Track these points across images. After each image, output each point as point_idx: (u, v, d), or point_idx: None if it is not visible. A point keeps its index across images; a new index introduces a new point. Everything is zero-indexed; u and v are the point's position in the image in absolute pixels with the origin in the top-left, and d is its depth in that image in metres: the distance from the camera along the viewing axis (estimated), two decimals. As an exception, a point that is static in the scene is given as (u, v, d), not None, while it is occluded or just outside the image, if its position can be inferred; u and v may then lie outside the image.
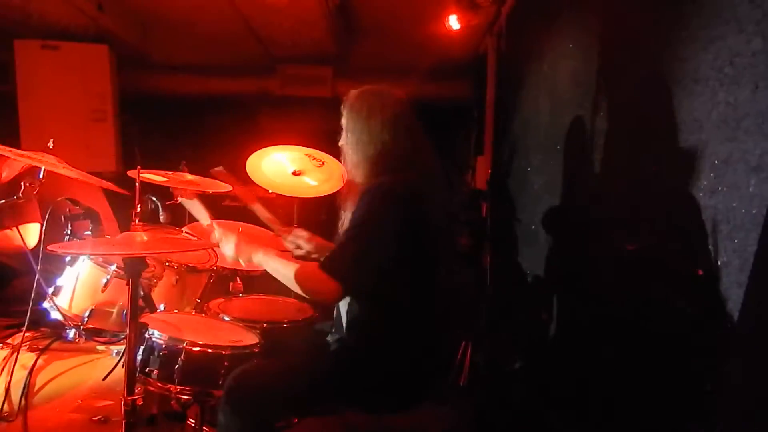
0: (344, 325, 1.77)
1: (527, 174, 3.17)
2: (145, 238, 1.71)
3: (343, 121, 1.83)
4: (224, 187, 2.83)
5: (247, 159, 2.97)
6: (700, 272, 1.46)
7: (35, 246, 2.55)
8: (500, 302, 3.51)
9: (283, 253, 1.93)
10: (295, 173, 2.99)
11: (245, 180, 2.94)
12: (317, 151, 3.02)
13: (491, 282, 3.63)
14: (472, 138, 4.47)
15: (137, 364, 1.81)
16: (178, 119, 4.61)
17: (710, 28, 1.49)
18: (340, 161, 1.94)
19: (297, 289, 1.62)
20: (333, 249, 1.63)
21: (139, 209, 1.73)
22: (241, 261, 1.77)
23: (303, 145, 3.04)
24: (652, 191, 1.76)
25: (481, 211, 3.81)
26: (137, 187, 1.78)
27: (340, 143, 1.87)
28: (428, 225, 1.68)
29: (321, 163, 3.00)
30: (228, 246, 1.79)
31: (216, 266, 2.57)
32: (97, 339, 2.23)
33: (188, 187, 2.07)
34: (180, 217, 3.18)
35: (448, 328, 1.80)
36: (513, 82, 3.57)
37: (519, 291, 3.23)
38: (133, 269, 1.62)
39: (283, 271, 1.64)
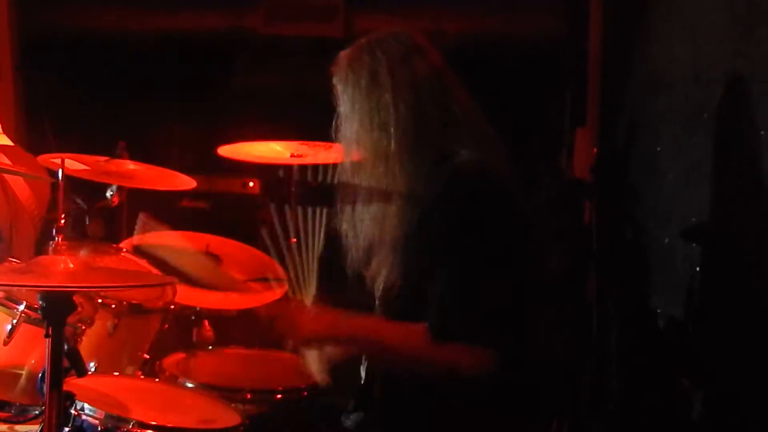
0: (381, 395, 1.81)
1: (656, 157, 3.15)
2: (71, 265, 1.74)
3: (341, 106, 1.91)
4: (184, 184, 2.87)
5: (218, 139, 3.04)
6: None
7: None
8: (613, 358, 3.48)
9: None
10: (294, 156, 3.08)
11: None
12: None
13: (598, 326, 3.60)
14: (566, 99, 4.45)
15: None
16: (109, 76, 4.66)
17: None
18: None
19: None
20: (442, 299, 1.69)
21: (63, 220, 1.77)
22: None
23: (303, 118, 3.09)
24: None
25: (582, 214, 3.79)
26: (60, 184, 1.82)
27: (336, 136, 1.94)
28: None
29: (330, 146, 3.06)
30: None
31: (172, 304, 2.60)
32: (-3, 416, 2.27)
33: None
34: (115, 228, 3.25)
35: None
36: (631, 13, 3.56)
37: (644, 341, 3.21)
38: (57, 312, 1.65)
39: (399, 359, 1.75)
